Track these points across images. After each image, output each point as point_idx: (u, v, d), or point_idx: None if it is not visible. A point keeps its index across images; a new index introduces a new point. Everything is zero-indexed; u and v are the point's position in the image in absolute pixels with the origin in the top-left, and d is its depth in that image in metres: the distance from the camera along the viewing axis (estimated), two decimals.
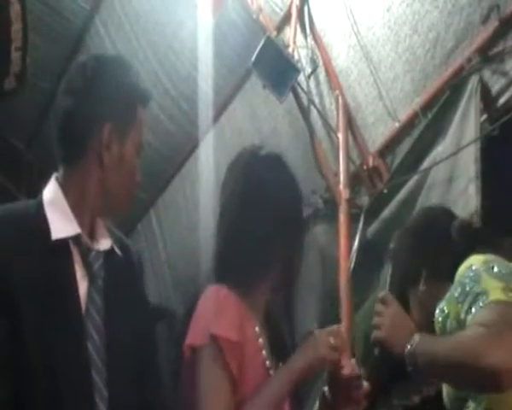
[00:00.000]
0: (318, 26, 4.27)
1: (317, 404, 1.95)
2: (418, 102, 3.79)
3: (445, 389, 2.00)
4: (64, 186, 1.72)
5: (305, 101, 4.28)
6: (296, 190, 1.96)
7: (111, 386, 1.63)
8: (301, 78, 4.15)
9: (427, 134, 3.70)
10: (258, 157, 1.95)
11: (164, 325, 4.77)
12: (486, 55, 3.34)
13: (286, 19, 4.31)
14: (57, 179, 1.74)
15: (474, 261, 1.88)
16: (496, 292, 1.74)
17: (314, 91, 4.36)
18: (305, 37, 4.28)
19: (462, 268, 1.90)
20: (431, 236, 2.13)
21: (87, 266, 1.68)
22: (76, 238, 1.68)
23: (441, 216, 2.20)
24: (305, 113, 4.29)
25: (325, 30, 4.25)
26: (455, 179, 3.42)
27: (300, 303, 3.04)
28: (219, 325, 1.73)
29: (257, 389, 1.75)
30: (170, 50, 5.15)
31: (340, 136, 4.12)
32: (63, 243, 1.66)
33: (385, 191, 3.99)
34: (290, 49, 4.03)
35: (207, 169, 4.89)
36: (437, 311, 1.94)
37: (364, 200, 4.22)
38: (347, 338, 3.04)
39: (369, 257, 3.90)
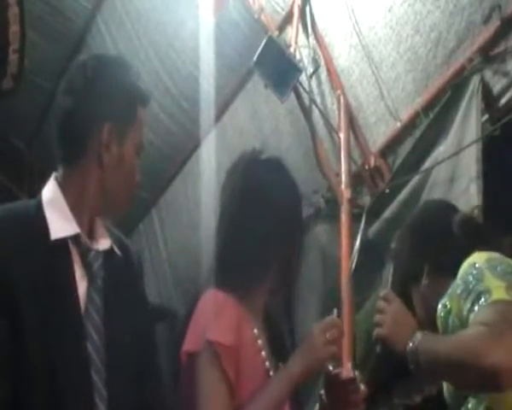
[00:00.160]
0: (320, 25, 4.26)
1: (316, 407, 1.95)
2: (420, 101, 3.79)
3: (446, 385, 2.00)
4: (63, 186, 1.72)
5: (306, 100, 4.27)
6: (295, 192, 1.96)
7: (110, 386, 1.63)
8: (303, 77, 4.15)
9: (429, 134, 3.70)
10: (258, 160, 1.96)
11: (165, 325, 4.78)
12: (488, 55, 3.34)
13: (288, 18, 4.31)
14: (56, 179, 1.73)
15: (478, 259, 1.88)
16: (498, 291, 1.73)
17: (316, 91, 4.36)
18: (307, 36, 4.27)
19: (465, 265, 1.90)
20: (432, 230, 2.11)
21: (86, 265, 1.68)
22: (75, 238, 1.67)
23: (442, 210, 2.19)
24: (306, 112, 4.28)
25: (327, 30, 4.24)
26: (456, 179, 3.41)
27: (301, 303, 3.04)
28: (215, 330, 1.74)
29: (256, 392, 1.75)
30: (171, 50, 5.14)
31: (342, 136, 4.11)
32: (62, 242, 1.65)
33: (386, 191, 3.99)
34: (292, 49, 4.02)
35: (209, 168, 4.87)
36: (439, 306, 1.94)
37: (366, 200, 4.21)
38: (343, 323, 2.98)
39: (371, 257, 3.89)
